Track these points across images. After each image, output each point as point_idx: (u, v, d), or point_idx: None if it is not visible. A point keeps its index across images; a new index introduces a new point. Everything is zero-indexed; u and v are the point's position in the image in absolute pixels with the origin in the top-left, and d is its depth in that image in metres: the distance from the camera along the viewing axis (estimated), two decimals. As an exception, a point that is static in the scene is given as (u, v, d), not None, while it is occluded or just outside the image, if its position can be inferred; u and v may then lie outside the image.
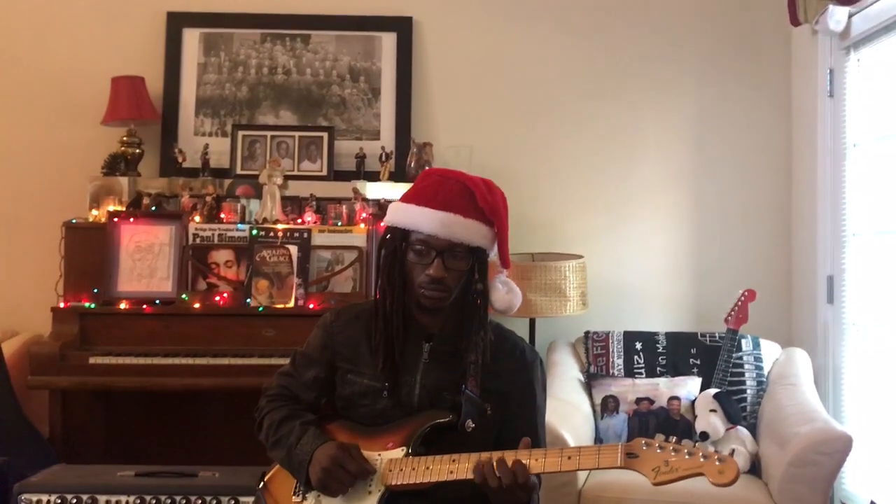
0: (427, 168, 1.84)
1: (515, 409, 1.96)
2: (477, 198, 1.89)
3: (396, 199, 1.99)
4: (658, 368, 3.43)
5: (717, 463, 1.58)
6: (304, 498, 1.91)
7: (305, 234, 3.42)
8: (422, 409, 1.91)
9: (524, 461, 1.73)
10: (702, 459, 1.59)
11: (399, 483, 1.82)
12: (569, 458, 1.71)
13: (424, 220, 1.87)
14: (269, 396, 2.04)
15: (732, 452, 1.63)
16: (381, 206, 3.56)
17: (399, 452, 1.86)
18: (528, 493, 1.76)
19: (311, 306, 3.31)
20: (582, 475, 2.95)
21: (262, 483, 2.03)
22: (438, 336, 1.95)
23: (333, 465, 1.81)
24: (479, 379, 1.90)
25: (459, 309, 1.94)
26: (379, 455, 1.87)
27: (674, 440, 1.64)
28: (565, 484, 2.88)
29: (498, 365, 1.94)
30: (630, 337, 3.52)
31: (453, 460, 1.79)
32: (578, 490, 2.92)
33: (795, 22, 3.56)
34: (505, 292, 1.97)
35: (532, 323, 3.60)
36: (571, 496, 2.90)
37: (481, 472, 1.73)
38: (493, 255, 1.97)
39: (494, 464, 1.72)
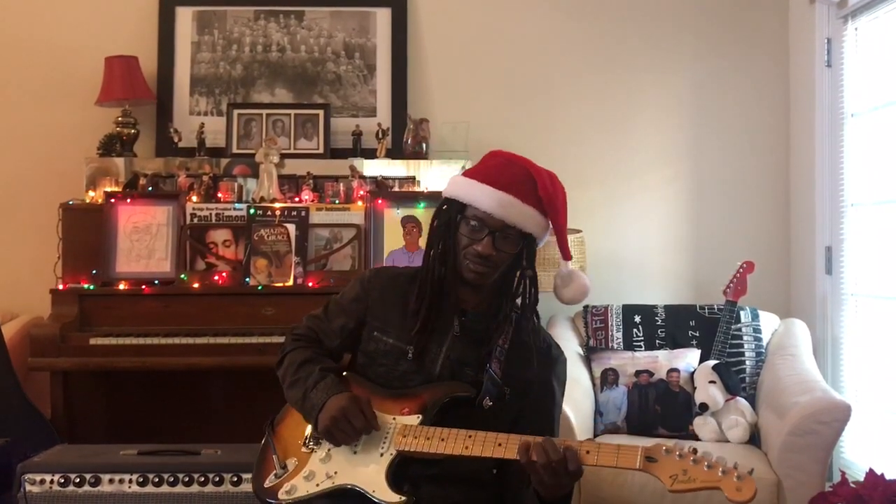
0: (493, 150, 1.85)
1: (533, 401, 1.96)
2: (538, 186, 1.90)
3: (458, 174, 2.02)
4: (657, 341, 3.44)
5: (735, 479, 1.55)
6: (314, 450, 1.92)
7: (303, 213, 3.42)
8: (442, 378, 1.93)
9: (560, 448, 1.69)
10: (720, 474, 1.57)
11: (411, 450, 1.83)
12: (587, 452, 1.69)
13: (484, 197, 1.89)
14: (294, 335, 2.07)
15: (751, 472, 1.59)
16: (378, 184, 3.55)
17: (414, 419, 1.87)
18: (574, 481, 1.73)
19: (310, 284, 3.31)
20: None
21: (271, 423, 2.04)
22: (472, 312, 1.97)
23: (342, 415, 1.83)
24: (502, 362, 1.91)
25: (498, 290, 1.97)
26: (394, 419, 1.89)
27: (694, 450, 1.62)
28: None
29: (524, 354, 1.95)
30: (629, 310, 3.53)
31: (469, 436, 1.79)
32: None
33: (792, -9, 3.55)
34: (563, 285, 2.02)
35: (531, 298, 3.59)
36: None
37: (527, 450, 1.71)
38: (541, 245, 1.99)
39: (543, 444, 1.70)
